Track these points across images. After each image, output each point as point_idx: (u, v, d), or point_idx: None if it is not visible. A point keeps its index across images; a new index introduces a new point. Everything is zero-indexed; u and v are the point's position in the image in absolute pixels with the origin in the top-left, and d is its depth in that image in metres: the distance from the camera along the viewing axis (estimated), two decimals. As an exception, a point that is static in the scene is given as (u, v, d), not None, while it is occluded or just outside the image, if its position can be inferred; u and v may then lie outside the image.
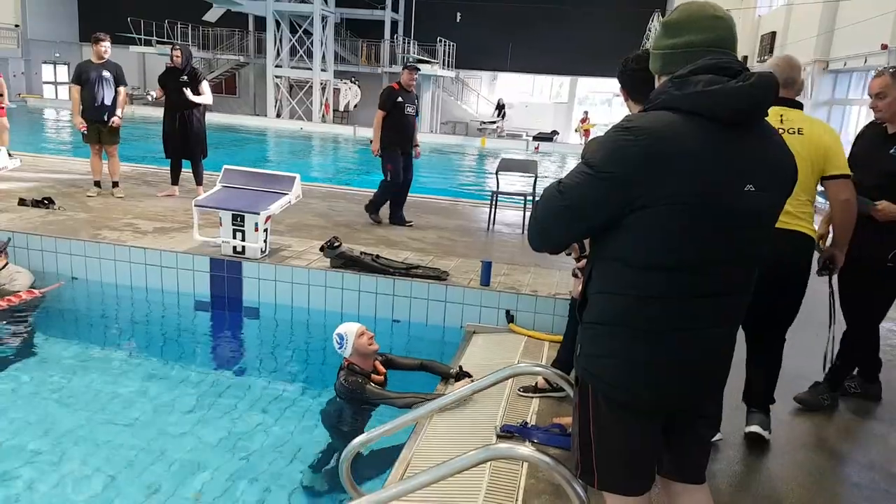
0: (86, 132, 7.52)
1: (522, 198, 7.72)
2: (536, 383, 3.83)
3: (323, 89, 24.74)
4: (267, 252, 5.46)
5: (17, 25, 26.68)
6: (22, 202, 6.72)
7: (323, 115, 24.78)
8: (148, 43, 26.88)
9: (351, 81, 25.86)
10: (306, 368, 4.65)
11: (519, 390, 3.83)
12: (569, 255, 3.31)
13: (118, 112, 7.60)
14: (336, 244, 5.21)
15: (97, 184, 7.79)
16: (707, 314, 1.68)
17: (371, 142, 7.36)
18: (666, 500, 1.97)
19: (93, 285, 5.55)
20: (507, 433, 3.35)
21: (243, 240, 5.31)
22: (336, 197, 8.90)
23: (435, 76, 25.13)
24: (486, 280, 5.01)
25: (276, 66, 24.83)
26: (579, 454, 1.83)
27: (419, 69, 7.22)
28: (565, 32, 26.16)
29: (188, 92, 7.47)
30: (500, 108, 26.54)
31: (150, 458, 3.40)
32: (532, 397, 3.79)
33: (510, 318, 4.85)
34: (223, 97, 28.73)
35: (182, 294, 5.43)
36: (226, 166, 5.80)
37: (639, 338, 1.67)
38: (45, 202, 6.70)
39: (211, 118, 23.41)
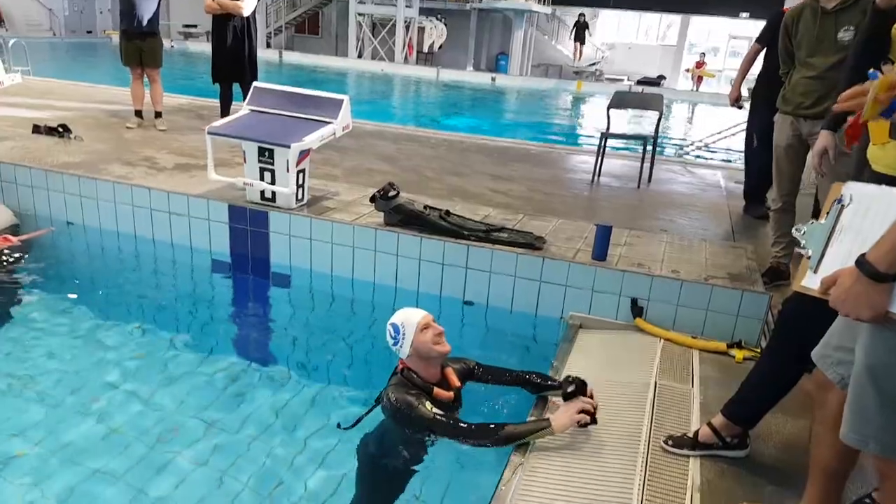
0: None
1: (641, 142, 6.01)
2: (697, 432, 2.31)
3: (407, 28, 23.12)
4: (304, 200, 4.12)
5: (105, -39, 26.38)
6: (36, 129, 5.66)
7: (406, 57, 23.23)
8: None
9: (437, 19, 24.06)
10: (347, 362, 3.31)
11: (666, 443, 2.32)
12: None
13: None
14: (392, 193, 3.78)
15: (138, 113, 6.73)
16: None
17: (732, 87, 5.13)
18: None
19: (91, 233, 4.40)
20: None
21: (272, 182, 3.98)
22: (408, 139, 7.47)
23: (529, 12, 22.92)
24: (601, 252, 3.47)
25: (360, 3, 23.39)
26: None
27: None
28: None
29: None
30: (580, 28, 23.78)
31: (138, 455, 2.50)
32: (688, 456, 2.28)
33: (638, 310, 3.30)
34: (305, 37, 27.74)
35: (196, 250, 4.18)
36: (256, 84, 4.44)
37: None
38: (60, 130, 5.62)
39: (289, 58, 22.42)
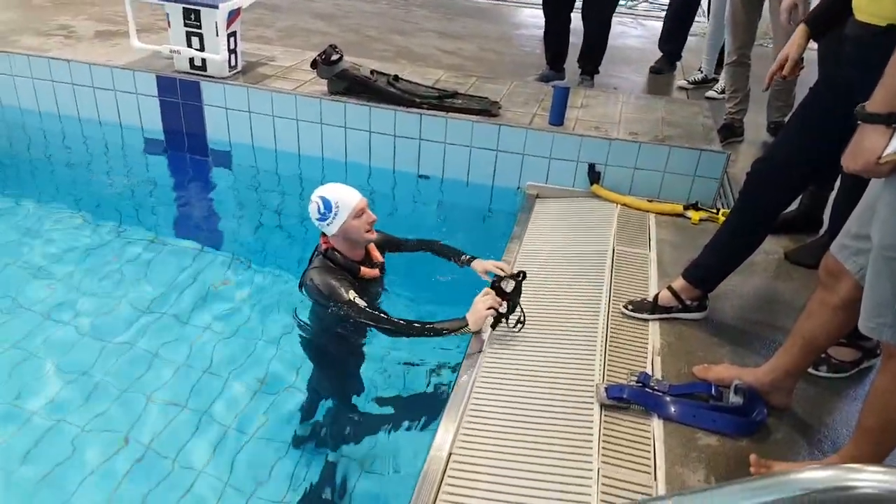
0: None
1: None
2: (657, 296, 2.36)
3: None
4: (238, 67, 3.79)
5: None
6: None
7: None
8: None
9: None
10: (295, 243, 3.22)
11: (626, 308, 2.37)
12: None
13: None
14: (335, 57, 3.50)
15: (42, -27, 5.93)
16: None
17: None
18: None
19: (10, 113, 4.00)
20: (618, 400, 1.95)
21: (201, 48, 3.62)
22: (347, -7, 6.89)
23: None
24: (558, 117, 3.34)
25: None
26: None
27: None
28: None
29: None
30: None
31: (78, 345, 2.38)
32: (648, 320, 2.34)
33: (595, 175, 3.26)
34: None
35: (126, 127, 3.86)
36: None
37: None
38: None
39: None
